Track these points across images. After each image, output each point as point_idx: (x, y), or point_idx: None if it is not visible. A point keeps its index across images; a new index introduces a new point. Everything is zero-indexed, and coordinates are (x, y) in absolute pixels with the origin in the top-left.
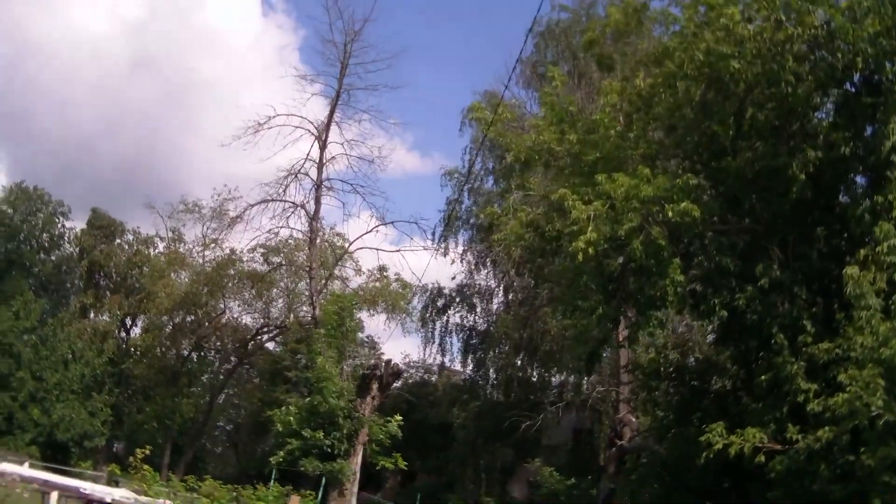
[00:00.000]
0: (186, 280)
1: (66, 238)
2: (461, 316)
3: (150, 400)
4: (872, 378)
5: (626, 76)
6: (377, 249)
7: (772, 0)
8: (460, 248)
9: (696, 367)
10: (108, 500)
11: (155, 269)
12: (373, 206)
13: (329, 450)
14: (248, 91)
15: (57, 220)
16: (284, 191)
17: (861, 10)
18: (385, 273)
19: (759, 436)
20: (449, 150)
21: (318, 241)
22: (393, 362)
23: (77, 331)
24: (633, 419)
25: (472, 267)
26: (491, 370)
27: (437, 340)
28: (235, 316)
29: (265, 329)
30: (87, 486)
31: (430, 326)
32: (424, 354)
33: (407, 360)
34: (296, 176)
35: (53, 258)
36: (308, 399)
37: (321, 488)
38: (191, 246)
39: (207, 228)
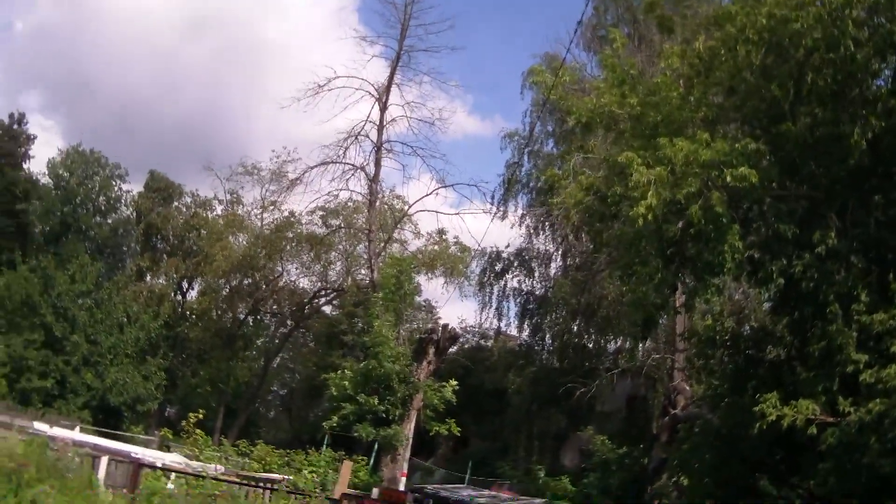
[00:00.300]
0: (244, 243)
1: (122, 201)
2: (519, 280)
3: (205, 364)
4: None
5: (687, 39)
6: (436, 212)
7: None
8: (519, 212)
9: (751, 335)
10: (159, 464)
11: (212, 231)
12: (433, 169)
13: (383, 415)
14: (308, 53)
15: (114, 183)
16: (344, 153)
17: None
18: (444, 236)
19: (811, 407)
20: (509, 112)
21: (377, 203)
22: (450, 327)
23: (133, 294)
24: (687, 387)
25: (531, 231)
26: (547, 336)
27: (494, 305)
28: (293, 279)
29: (322, 292)
30: (138, 451)
31: (488, 291)
32: (481, 319)
33: (463, 324)
34: (356, 138)
35: (110, 221)
36: (363, 363)
37: (373, 454)
38: (249, 208)
39: (266, 191)
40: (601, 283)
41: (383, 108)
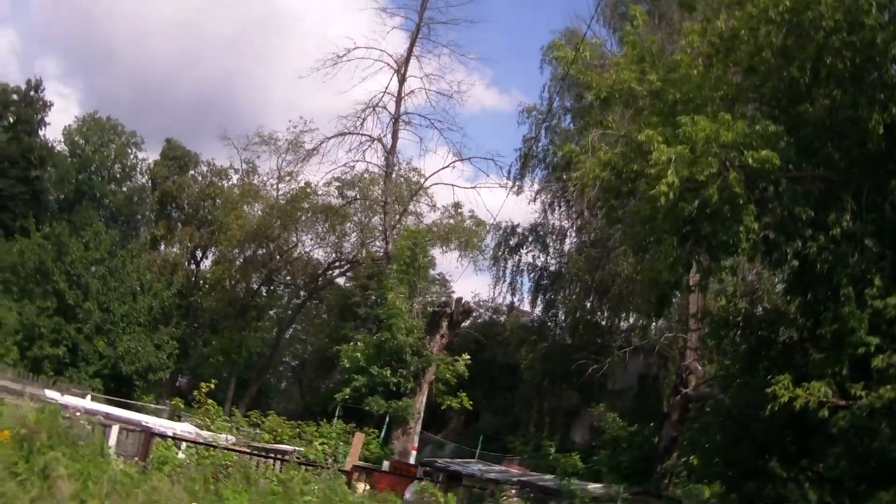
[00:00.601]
0: (259, 213)
1: (138, 169)
2: (533, 256)
3: (217, 333)
4: None
5: (708, 17)
6: (453, 185)
7: None
8: (535, 187)
9: (764, 316)
10: (170, 434)
11: (228, 201)
12: (450, 142)
13: (395, 388)
14: (327, 23)
15: (129, 151)
16: (362, 124)
17: None
18: (459, 210)
19: (823, 390)
20: (527, 87)
21: (393, 175)
22: (464, 300)
23: (147, 262)
24: (699, 367)
25: (546, 206)
26: (560, 312)
27: (507, 280)
28: (307, 250)
29: (336, 264)
30: (149, 420)
31: (502, 265)
32: (494, 294)
33: (477, 298)
34: (373, 109)
35: (125, 189)
36: (376, 335)
37: (385, 427)
38: (265, 178)
39: (282, 161)
40: (615, 259)
41: (402, 80)
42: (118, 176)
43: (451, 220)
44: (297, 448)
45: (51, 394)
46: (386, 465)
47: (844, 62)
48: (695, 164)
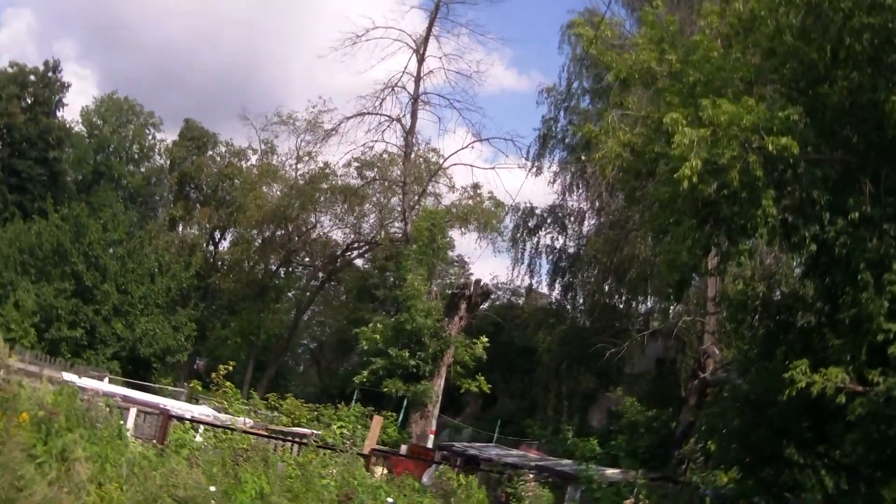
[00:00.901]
0: (278, 193)
1: (156, 150)
2: (551, 237)
3: (236, 315)
4: None
5: None
6: (471, 166)
7: None
8: (554, 168)
9: (782, 300)
10: (188, 416)
11: (246, 181)
12: (469, 122)
13: (414, 370)
14: (347, 2)
15: (147, 132)
16: (381, 104)
17: None
18: (478, 191)
19: (840, 376)
20: (547, 68)
21: (412, 155)
22: (482, 282)
23: (165, 243)
24: (717, 351)
25: (565, 188)
26: (578, 294)
27: (526, 262)
28: (326, 231)
29: (355, 245)
30: (167, 403)
31: (521, 247)
32: (512, 276)
33: (495, 280)
34: (392, 89)
35: (143, 170)
36: (395, 317)
37: (403, 410)
38: (283, 158)
39: (301, 141)
40: (634, 242)
41: (421, 60)
42: (136, 157)
43: (470, 201)
44: (315, 431)
45: (68, 376)
46: (404, 448)
47: (863, 44)
48: (715, 146)
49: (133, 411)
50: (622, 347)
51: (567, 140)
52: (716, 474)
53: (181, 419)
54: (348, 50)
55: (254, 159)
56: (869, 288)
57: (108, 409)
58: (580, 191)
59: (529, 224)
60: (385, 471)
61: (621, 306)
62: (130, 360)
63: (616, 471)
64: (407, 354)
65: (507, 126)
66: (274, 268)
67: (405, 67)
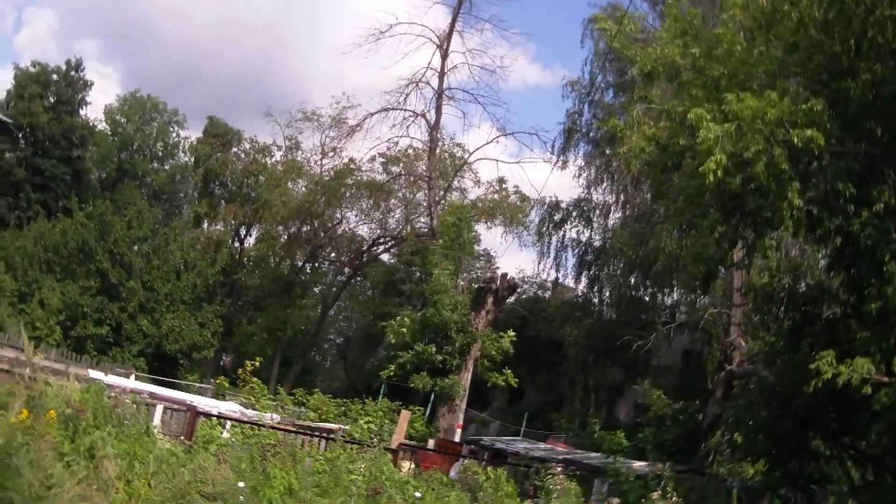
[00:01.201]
0: (303, 189)
1: (180, 147)
2: (577, 231)
3: (262, 311)
4: None
5: None
6: (497, 161)
7: None
8: (579, 162)
9: (807, 292)
10: (215, 412)
11: (271, 177)
12: (493, 117)
13: (440, 365)
14: None
15: (171, 130)
16: (405, 100)
17: None
18: (504, 185)
19: (867, 367)
20: (570, 62)
21: (437, 150)
22: (508, 276)
23: (190, 240)
24: (743, 343)
25: (590, 181)
26: (604, 288)
27: (552, 255)
28: (351, 226)
29: (381, 240)
30: (193, 399)
31: (546, 241)
32: (539, 269)
33: (521, 274)
34: (416, 85)
35: (167, 167)
36: (422, 311)
37: (430, 404)
38: (308, 154)
39: (326, 137)
40: (659, 235)
41: (444, 55)
42: (160, 154)
43: (496, 196)
44: (342, 426)
45: (95, 374)
46: (431, 443)
47: (886, 36)
48: (740, 140)
49: (160, 408)
50: (649, 340)
51: (592, 134)
52: (742, 466)
53: (208, 415)
54: (372, 46)
55: (278, 156)
56: (894, 280)
57: (135, 406)
58: (605, 184)
59: (555, 218)
60: (412, 465)
61: (647, 299)
62: (157, 357)
63: (643, 463)
64: (434, 349)
65: (531, 121)
66: (300, 263)
67: (429, 63)
